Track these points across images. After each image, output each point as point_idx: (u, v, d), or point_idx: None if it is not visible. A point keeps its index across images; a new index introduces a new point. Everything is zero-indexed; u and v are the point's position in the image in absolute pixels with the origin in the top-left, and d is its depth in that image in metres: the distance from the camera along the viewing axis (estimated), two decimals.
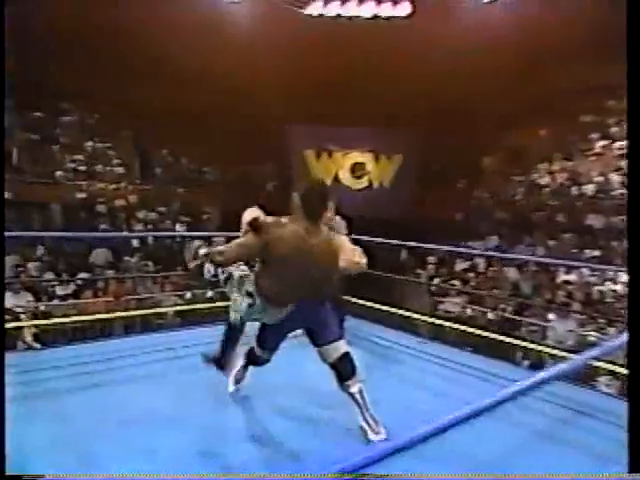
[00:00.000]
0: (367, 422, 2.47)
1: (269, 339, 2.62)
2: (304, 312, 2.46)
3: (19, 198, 9.22)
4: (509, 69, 10.33)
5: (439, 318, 6.34)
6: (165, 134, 12.05)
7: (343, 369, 2.48)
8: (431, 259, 9.65)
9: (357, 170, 12.93)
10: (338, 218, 4.45)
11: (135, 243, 9.22)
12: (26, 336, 4.42)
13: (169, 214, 11.09)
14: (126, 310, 6.14)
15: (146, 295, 7.22)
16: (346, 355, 2.50)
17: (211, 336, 4.07)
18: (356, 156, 12.95)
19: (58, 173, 10.46)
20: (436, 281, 8.70)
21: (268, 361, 2.70)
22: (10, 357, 3.64)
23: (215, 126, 11.66)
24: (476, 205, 11.59)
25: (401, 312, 4.96)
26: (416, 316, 5.32)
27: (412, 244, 5.61)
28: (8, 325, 4.16)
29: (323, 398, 2.85)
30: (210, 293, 7.30)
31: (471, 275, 8.68)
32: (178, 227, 10.48)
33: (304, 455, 2.33)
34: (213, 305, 5.95)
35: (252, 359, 2.76)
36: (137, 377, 3.26)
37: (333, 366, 2.49)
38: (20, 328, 4.49)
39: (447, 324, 5.73)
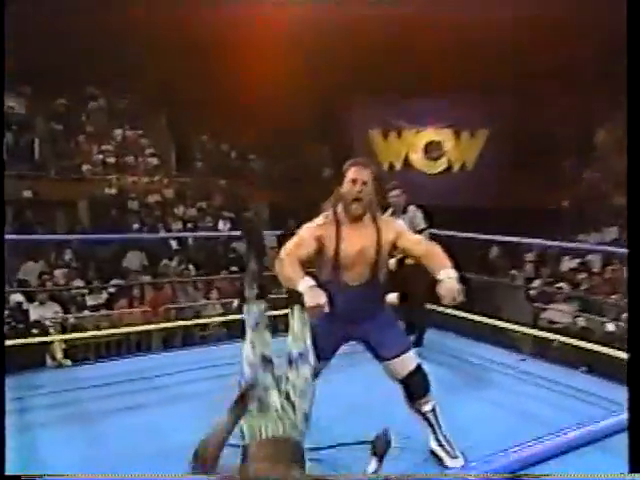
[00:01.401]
0: (442, 445, 2.58)
1: (321, 347, 2.50)
2: (357, 317, 2.55)
3: (42, 196, 9.78)
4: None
5: (542, 330, 6.10)
6: (204, 118, 12.36)
7: (415, 386, 2.54)
8: (529, 257, 9.30)
9: (432, 150, 12.70)
10: (413, 207, 4.40)
11: (173, 244, 9.50)
12: (56, 352, 4.64)
13: (210, 210, 11.36)
14: (165, 321, 6.33)
15: (187, 304, 7.40)
16: (418, 369, 2.56)
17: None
18: (431, 134, 12.72)
19: (85, 167, 10.99)
20: (537, 284, 8.36)
21: (317, 375, 2.59)
22: (39, 376, 3.87)
23: (261, 107, 11.83)
24: (588, 189, 11.07)
25: (494, 322, 4.82)
26: (512, 327, 5.15)
27: (505, 239, 5.45)
28: (35, 340, 4.40)
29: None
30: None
31: (582, 276, 8.28)
32: (221, 224, 10.71)
33: None
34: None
35: None
36: (179, 397, 3.33)
37: (403, 383, 2.55)
38: (49, 343, 4.72)
39: (554, 337, 5.51)
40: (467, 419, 2.96)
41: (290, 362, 2.24)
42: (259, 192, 12.32)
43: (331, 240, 2.48)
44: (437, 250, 2.49)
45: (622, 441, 1.06)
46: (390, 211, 4.29)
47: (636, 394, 1.01)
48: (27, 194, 9.78)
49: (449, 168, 12.77)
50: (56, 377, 3.87)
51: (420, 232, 4.22)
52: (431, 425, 2.60)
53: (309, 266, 2.50)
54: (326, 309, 2.19)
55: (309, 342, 2.33)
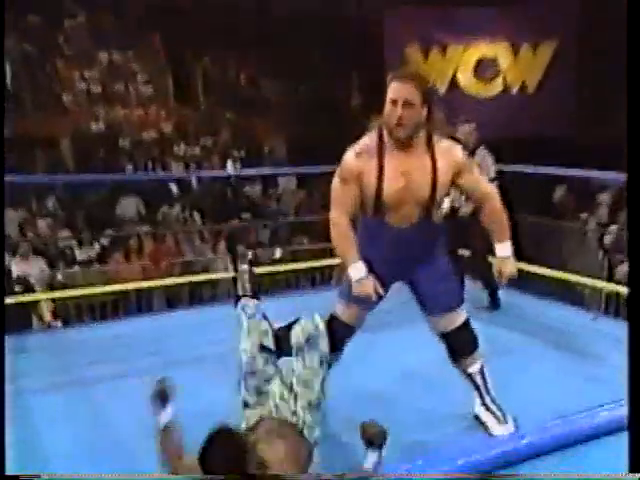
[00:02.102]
0: (489, 410, 2.70)
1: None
2: (406, 263, 2.60)
3: (18, 134, 9.84)
4: None
5: (619, 284, 6.07)
6: (207, 36, 12.19)
7: (460, 343, 2.66)
8: (604, 198, 9.16)
9: (485, 69, 12.43)
10: (483, 150, 4.36)
11: (174, 189, 9.56)
12: (44, 312, 4.79)
13: (216, 147, 11.36)
14: (168, 277, 6.44)
15: (194, 258, 7.51)
16: (465, 325, 2.66)
17: (281, 310, 4.20)
18: (483, 49, 12.42)
19: (66, 97, 11.00)
20: (613, 230, 8.26)
21: (352, 331, 2.72)
22: (26, 338, 3.99)
23: (276, 22, 11.63)
24: None
25: (559, 275, 4.85)
26: (583, 281, 5.16)
27: (575, 173, 5.38)
28: (20, 299, 4.52)
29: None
30: (278, 254, 7.47)
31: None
32: (229, 165, 10.73)
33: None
34: (281, 270, 6.11)
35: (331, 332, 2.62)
36: (185, 362, 3.41)
37: (446, 338, 2.67)
38: (35, 303, 4.86)
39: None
40: (525, 384, 3.05)
41: (297, 351, 2.41)
42: (274, 125, 12.25)
43: (371, 174, 2.43)
44: (500, 211, 2.54)
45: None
46: None
47: (636, 394, 1.05)
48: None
49: (505, 90, 12.52)
50: (44, 340, 4.00)
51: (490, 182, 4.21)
52: (477, 387, 2.70)
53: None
54: (374, 298, 2.46)
55: (321, 326, 2.52)
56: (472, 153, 4.13)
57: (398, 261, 2.58)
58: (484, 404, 2.71)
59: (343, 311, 2.68)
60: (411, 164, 2.42)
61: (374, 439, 2.08)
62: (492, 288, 4.39)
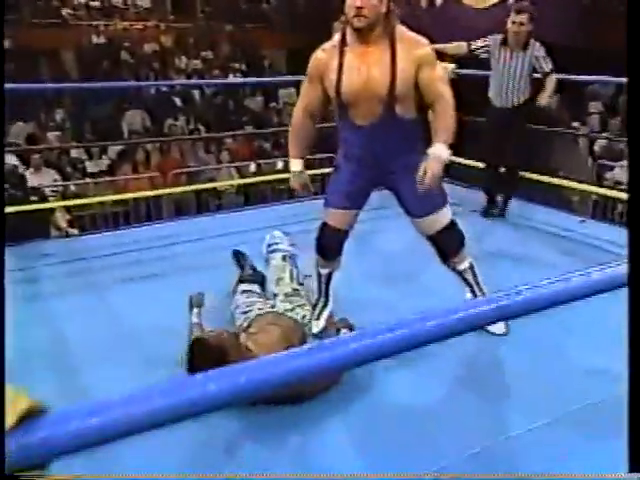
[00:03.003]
0: None
1: (348, 191, 2.59)
2: (382, 169, 2.53)
3: (19, 46, 9.61)
4: None
5: (607, 189, 6.09)
6: None
7: (446, 243, 2.62)
8: (596, 106, 9.04)
9: None
10: (536, 44, 4.00)
11: (177, 102, 9.45)
12: (60, 221, 4.83)
13: (217, 60, 11.13)
14: (175, 187, 6.46)
15: (198, 168, 7.50)
16: (451, 226, 2.60)
17: (283, 216, 4.25)
18: None
19: (64, 11, 10.68)
20: (603, 137, 8.20)
21: (345, 235, 2.68)
22: (45, 245, 4.06)
23: None
24: None
25: (552, 180, 4.84)
26: (573, 186, 5.17)
27: (566, 77, 5.25)
28: (37, 206, 4.56)
29: None
30: (280, 164, 7.45)
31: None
32: (231, 77, 10.54)
33: None
34: (285, 177, 6.11)
35: (326, 241, 2.69)
36: (193, 267, 3.49)
37: (433, 240, 2.62)
38: (51, 211, 4.90)
39: (618, 195, 5.52)
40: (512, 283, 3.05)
41: (265, 261, 2.85)
42: (274, 36, 11.95)
43: (333, 70, 2.36)
44: (450, 114, 2.38)
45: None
46: (497, 41, 4.02)
47: (637, 394, 1.00)
48: (6, 44, 9.64)
49: (503, 0, 12.05)
50: (63, 246, 4.05)
51: (545, 76, 4.00)
52: (469, 284, 2.70)
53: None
54: (309, 190, 2.58)
55: (277, 234, 2.93)
56: (524, 47, 3.95)
57: (372, 162, 2.50)
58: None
59: (330, 217, 2.63)
60: (370, 58, 2.33)
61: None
62: (508, 196, 4.35)
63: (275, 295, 2.54)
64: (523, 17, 3.90)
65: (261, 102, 10.17)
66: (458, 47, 4.19)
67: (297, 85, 9.73)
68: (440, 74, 2.45)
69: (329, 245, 2.68)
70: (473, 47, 4.13)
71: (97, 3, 11.13)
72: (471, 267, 2.69)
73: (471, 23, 11.62)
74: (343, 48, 2.37)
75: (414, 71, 2.34)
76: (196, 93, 9.90)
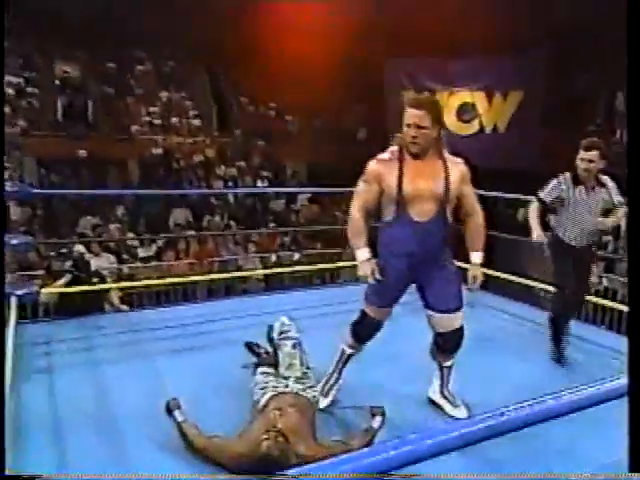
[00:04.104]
0: (445, 397, 2.65)
1: (385, 290, 2.46)
2: (424, 264, 2.44)
3: (95, 155, 10.06)
4: None
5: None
6: (244, 80, 12.37)
7: (452, 343, 2.53)
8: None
9: (466, 112, 12.41)
10: (609, 180, 3.34)
11: (215, 202, 9.71)
12: (113, 298, 4.91)
13: (249, 169, 11.50)
14: (209, 273, 6.58)
15: (228, 258, 7.64)
16: (460, 329, 2.53)
17: (298, 301, 4.30)
18: (464, 95, 12.41)
19: (134, 127, 11.21)
20: None
21: (381, 325, 2.59)
22: (100, 319, 4.14)
23: (299, 70, 11.76)
24: (618, 152, 10.75)
25: (521, 280, 4.88)
26: (538, 285, 5.18)
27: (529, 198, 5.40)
28: (95, 287, 4.66)
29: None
30: (297, 256, 7.59)
31: (608, 238, 8.14)
32: (259, 184, 10.87)
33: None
34: (300, 269, 6.22)
35: (363, 328, 2.59)
36: (223, 342, 3.54)
37: (442, 337, 2.51)
38: (107, 290, 4.99)
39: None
40: (485, 374, 3.00)
41: (276, 347, 2.69)
42: (296, 152, 12.35)
43: (393, 175, 2.34)
44: (483, 226, 2.50)
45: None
46: (568, 181, 3.27)
47: (637, 394, 0.95)
48: (82, 154, 10.08)
49: (481, 130, 12.51)
50: (115, 320, 4.12)
51: (615, 207, 3.28)
52: (442, 378, 2.63)
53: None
54: (377, 276, 2.36)
55: (287, 321, 2.80)
56: (598, 183, 3.29)
57: (422, 256, 2.40)
58: (442, 392, 2.65)
59: (371, 310, 2.53)
60: (426, 169, 2.35)
61: (377, 412, 2.34)
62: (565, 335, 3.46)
63: (287, 377, 2.48)
64: (593, 154, 3.21)
65: (283, 204, 10.42)
66: (531, 211, 3.38)
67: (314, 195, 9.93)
68: (474, 192, 2.53)
69: (365, 332, 2.59)
70: (545, 200, 3.34)
71: (159, 121, 11.64)
72: (452, 365, 2.64)
73: (456, 148, 12.06)
74: (402, 159, 2.37)
75: (459, 184, 2.40)
76: (230, 195, 10.18)
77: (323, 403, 2.62)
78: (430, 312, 2.50)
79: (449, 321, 2.48)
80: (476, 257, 2.49)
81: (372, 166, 2.41)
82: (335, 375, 2.70)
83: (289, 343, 2.65)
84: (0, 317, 2.78)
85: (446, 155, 2.41)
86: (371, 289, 2.49)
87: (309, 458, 1.99)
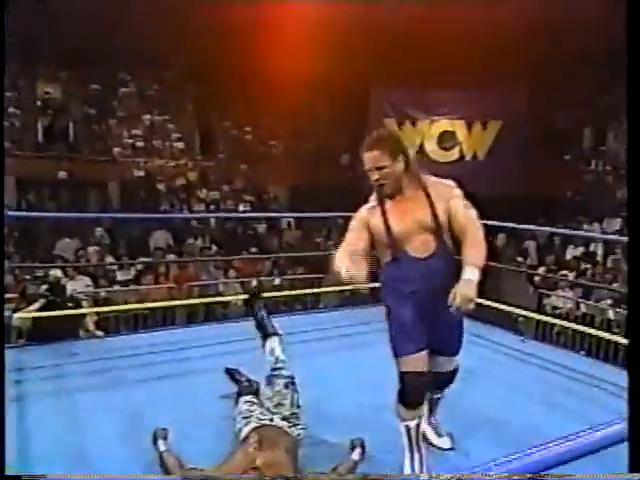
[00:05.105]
0: (431, 424, 2.60)
1: (410, 335, 2.23)
2: (431, 302, 2.22)
3: (76, 177, 9.95)
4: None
5: (545, 315, 6.15)
6: (227, 105, 12.42)
7: (446, 381, 2.47)
8: (529, 244, 9.33)
9: (446, 140, 12.59)
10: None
11: (196, 225, 9.63)
12: (89, 324, 4.78)
13: (232, 193, 11.47)
14: (188, 297, 6.48)
15: (208, 282, 7.54)
16: (457, 369, 2.46)
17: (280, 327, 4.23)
18: (445, 124, 12.61)
19: (116, 150, 11.14)
20: (541, 271, 8.37)
21: (426, 378, 2.29)
22: (75, 345, 4.02)
23: (282, 96, 11.85)
24: (594, 181, 10.99)
25: (499, 306, 4.88)
26: (516, 311, 5.21)
27: (508, 225, 5.50)
28: (70, 312, 4.54)
29: None
30: (277, 280, 7.51)
31: (586, 265, 8.27)
32: (241, 207, 10.83)
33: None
34: (281, 294, 6.17)
35: (410, 390, 2.24)
36: (209, 368, 3.45)
37: (438, 375, 2.38)
38: (82, 315, 4.86)
39: (555, 321, 5.60)
40: (469, 399, 3.01)
41: (267, 382, 2.59)
42: (278, 176, 12.38)
43: (378, 219, 2.22)
44: (481, 237, 2.13)
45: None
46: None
47: (637, 393, 0.96)
48: (62, 175, 9.96)
49: (461, 157, 12.70)
50: (89, 347, 4.02)
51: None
52: (431, 407, 2.57)
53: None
54: (352, 272, 1.98)
55: (281, 357, 2.67)
56: None
57: (428, 295, 2.18)
58: (429, 420, 2.58)
59: (408, 364, 2.20)
60: (408, 203, 2.20)
61: (357, 444, 2.31)
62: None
63: (273, 413, 2.37)
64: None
65: (264, 228, 10.38)
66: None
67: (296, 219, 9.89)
68: (468, 205, 2.23)
69: (416, 391, 2.24)
70: None
71: (141, 143, 11.60)
72: (442, 397, 2.58)
73: (436, 174, 12.20)
74: (382, 201, 2.24)
75: (445, 204, 2.19)
76: (212, 219, 10.10)
77: None
78: (435, 356, 2.31)
79: (449, 363, 2.39)
80: (470, 272, 2.00)
81: (358, 215, 2.29)
82: (417, 455, 2.29)
83: (282, 382, 2.54)
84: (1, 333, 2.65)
85: (427, 180, 2.25)
86: (395, 338, 2.23)
87: None
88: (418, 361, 2.19)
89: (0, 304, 2.75)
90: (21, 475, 1.49)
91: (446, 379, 2.45)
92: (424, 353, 2.21)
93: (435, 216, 2.18)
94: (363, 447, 2.31)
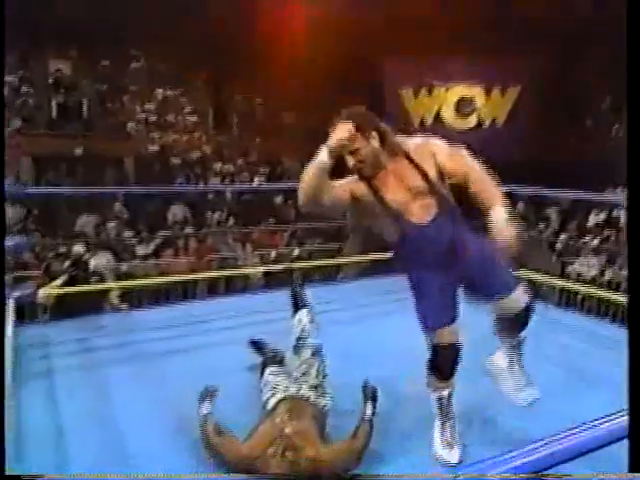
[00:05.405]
0: (515, 372, 2.32)
1: (440, 307, 2.15)
2: (452, 256, 2.11)
3: (91, 154, 9.95)
4: None
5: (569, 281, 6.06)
6: (240, 77, 12.26)
7: (522, 320, 2.23)
8: (550, 211, 9.18)
9: (464, 107, 12.36)
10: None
11: (213, 198, 9.62)
12: (113, 298, 4.83)
13: (247, 165, 11.41)
14: (208, 269, 6.49)
15: (227, 254, 7.54)
16: (529, 306, 2.20)
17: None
18: (462, 90, 12.36)
19: (129, 125, 11.10)
20: (563, 238, 8.24)
21: (459, 350, 2.20)
22: (100, 319, 4.06)
23: (295, 66, 11.66)
24: (616, 145, 10.74)
25: (522, 273, 4.81)
26: (540, 278, 5.15)
27: (529, 190, 5.39)
28: (93, 287, 4.58)
29: None
30: (297, 251, 7.49)
31: (610, 231, 8.13)
32: (257, 180, 10.77)
33: None
34: (301, 265, 6.13)
35: (442, 361, 2.18)
36: (232, 340, 3.45)
37: (511, 319, 2.20)
38: (106, 290, 4.91)
39: (579, 288, 5.52)
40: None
41: (294, 351, 2.59)
42: (292, 147, 12.28)
43: (369, 194, 2.08)
44: (486, 178, 2.01)
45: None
46: None
47: (637, 392, 0.92)
48: (78, 151, 9.97)
49: (480, 124, 12.46)
50: (114, 320, 4.05)
51: None
52: (514, 351, 2.30)
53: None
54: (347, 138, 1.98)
55: (307, 326, 2.66)
56: None
57: (447, 258, 2.06)
58: (515, 366, 2.30)
59: (440, 337, 2.12)
60: (394, 174, 2.07)
61: (368, 394, 2.24)
62: None
63: (300, 382, 2.35)
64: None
65: (281, 199, 10.34)
66: None
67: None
68: (456, 150, 2.10)
69: (448, 363, 2.16)
70: None
71: (155, 118, 11.55)
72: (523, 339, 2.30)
73: (454, 142, 12.03)
74: (367, 180, 2.10)
75: (434, 161, 2.06)
76: (228, 192, 10.05)
77: (454, 457, 2.18)
78: (491, 303, 2.16)
79: (512, 302, 2.13)
80: (494, 214, 1.92)
81: (341, 183, 2.11)
82: (449, 424, 2.23)
83: (309, 350, 2.53)
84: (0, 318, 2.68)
85: (407, 145, 2.10)
86: (424, 312, 2.13)
87: (319, 462, 1.95)
88: (453, 333, 2.12)
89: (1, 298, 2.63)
90: (21, 475, 1.49)
91: (519, 319, 2.19)
92: (456, 325, 2.13)
93: (425, 177, 2.04)
94: (374, 397, 2.25)
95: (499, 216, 1.92)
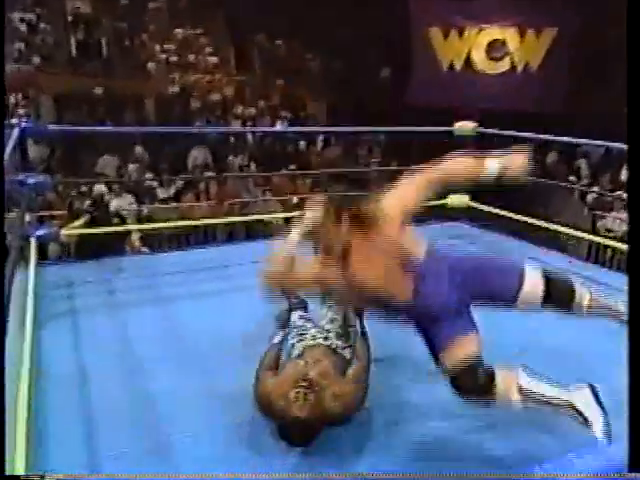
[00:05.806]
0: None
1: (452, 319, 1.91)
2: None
3: (111, 93, 9.81)
4: None
5: (598, 237, 5.90)
6: (261, 17, 11.85)
7: (560, 294, 1.94)
8: (581, 163, 8.89)
9: (496, 50, 11.80)
10: None
11: (234, 142, 9.49)
12: (134, 241, 4.83)
13: (268, 109, 11.18)
14: (228, 214, 6.45)
15: (248, 199, 7.49)
16: (548, 283, 1.91)
17: None
18: (494, 32, 11.77)
19: (150, 65, 10.89)
20: (594, 191, 7.99)
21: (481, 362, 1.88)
22: (121, 261, 4.06)
23: (320, 6, 11.21)
24: None
25: (551, 226, 4.68)
26: (569, 232, 5.00)
27: (561, 139, 5.17)
28: (116, 228, 4.56)
29: None
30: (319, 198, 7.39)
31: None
32: (279, 124, 10.57)
33: None
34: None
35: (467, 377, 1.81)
36: (245, 287, 3.42)
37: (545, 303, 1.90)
38: (128, 232, 4.90)
39: (609, 243, 5.37)
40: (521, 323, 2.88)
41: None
42: (316, 92, 11.97)
43: (337, 276, 1.86)
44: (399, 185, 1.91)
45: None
46: None
47: (637, 392, 0.88)
48: (98, 91, 9.83)
49: (512, 69, 11.93)
50: (137, 263, 4.04)
51: None
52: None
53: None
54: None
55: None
56: None
57: (442, 285, 1.86)
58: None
59: (464, 347, 1.81)
60: (367, 250, 1.85)
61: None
62: None
63: (328, 330, 2.29)
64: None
65: (303, 145, 10.16)
66: None
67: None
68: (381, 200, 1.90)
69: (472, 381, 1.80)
70: None
71: (175, 58, 11.31)
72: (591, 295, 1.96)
73: (485, 88, 11.61)
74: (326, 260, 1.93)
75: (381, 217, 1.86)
76: (249, 135, 9.90)
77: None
78: (510, 305, 1.92)
79: (532, 290, 1.88)
80: (491, 161, 1.90)
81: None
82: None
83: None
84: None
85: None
86: (435, 330, 1.86)
87: (345, 396, 1.97)
88: (473, 342, 1.83)
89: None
90: (20, 475, 1.47)
91: (552, 297, 1.89)
92: (469, 338, 1.83)
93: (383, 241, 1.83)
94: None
95: (493, 162, 1.90)
